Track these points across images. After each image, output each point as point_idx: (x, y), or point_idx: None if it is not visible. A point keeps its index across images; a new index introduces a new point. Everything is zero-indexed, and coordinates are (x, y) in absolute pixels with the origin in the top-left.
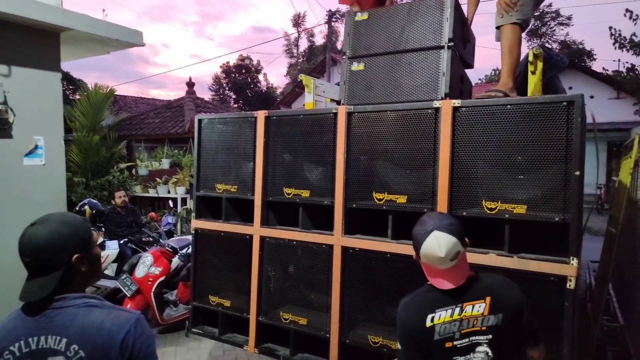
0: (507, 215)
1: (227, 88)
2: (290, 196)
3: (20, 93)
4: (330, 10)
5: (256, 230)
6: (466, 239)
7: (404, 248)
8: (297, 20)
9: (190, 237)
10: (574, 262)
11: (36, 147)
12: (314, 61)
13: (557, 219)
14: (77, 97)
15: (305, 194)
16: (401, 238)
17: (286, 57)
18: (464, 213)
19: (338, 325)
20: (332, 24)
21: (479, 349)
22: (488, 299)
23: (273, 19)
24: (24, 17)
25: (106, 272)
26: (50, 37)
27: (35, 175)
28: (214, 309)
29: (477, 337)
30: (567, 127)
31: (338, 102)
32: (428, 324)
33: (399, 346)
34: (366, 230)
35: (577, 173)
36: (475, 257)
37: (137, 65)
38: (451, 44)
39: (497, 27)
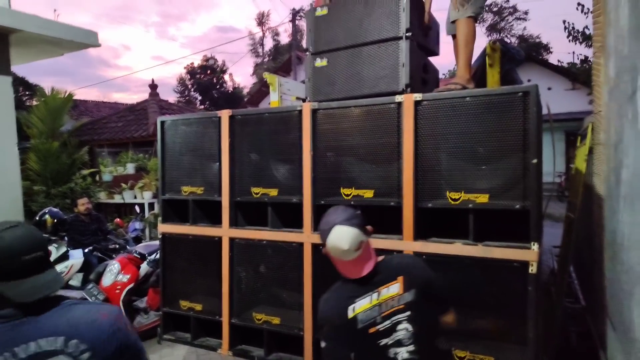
0: (470, 205)
1: (192, 89)
2: (258, 195)
3: None
4: (294, 9)
5: (225, 231)
6: (368, 227)
7: (373, 242)
8: (261, 19)
9: (158, 243)
10: (535, 247)
11: None
12: (280, 60)
13: (517, 206)
14: (35, 102)
15: (273, 192)
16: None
17: (252, 56)
18: (430, 204)
19: (311, 322)
20: (297, 22)
21: (400, 326)
22: (400, 278)
23: (236, 18)
24: None
25: (71, 282)
26: None
27: None
28: (185, 313)
29: (397, 316)
30: (524, 116)
31: (304, 100)
32: (350, 315)
33: (323, 343)
34: None
35: (535, 161)
36: (442, 247)
37: (98, 68)
38: (409, 34)
39: (452, 22)
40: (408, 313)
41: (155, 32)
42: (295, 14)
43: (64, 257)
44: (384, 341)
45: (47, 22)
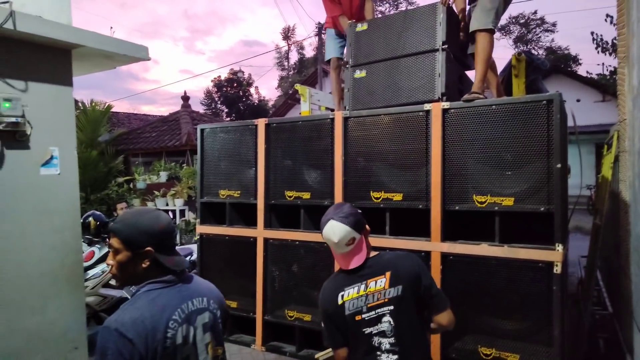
0: (496, 208)
1: (219, 102)
2: (291, 199)
3: (36, 107)
4: (319, 23)
5: (260, 232)
6: (367, 227)
7: (402, 243)
8: (287, 33)
9: (190, 247)
10: (560, 248)
11: (52, 157)
12: (305, 73)
13: (542, 209)
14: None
15: (306, 196)
16: (399, 234)
17: (277, 69)
18: (457, 207)
19: None
20: (322, 36)
21: (384, 319)
22: (388, 273)
23: (262, 32)
24: (40, 36)
25: (111, 282)
26: (63, 54)
27: (50, 184)
28: None
29: (382, 309)
30: (548, 123)
31: (332, 110)
32: (339, 301)
33: (322, 324)
34: None
35: (559, 166)
36: (468, 248)
37: (127, 82)
38: (445, 46)
39: (471, 32)
40: (391, 307)
41: (183, 46)
42: (320, 27)
43: (106, 258)
44: (368, 330)
45: (105, 37)
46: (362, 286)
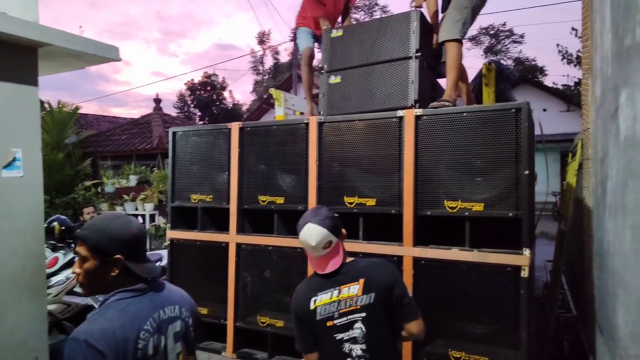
0: (466, 213)
1: (192, 105)
2: (265, 203)
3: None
4: (295, 28)
5: (232, 237)
6: (343, 231)
7: (374, 248)
8: (262, 38)
9: (160, 252)
10: (527, 252)
11: (14, 159)
12: (280, 78)
13: (510, 214)
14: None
15: (280, 200)
16: (372, 239)
17: (252, 74)
18: (429, 212)
19: None
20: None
21: (356, 325)
22: (361, 280)
23: (236, 36)
24: (4, 33)
25: (76, 289)
26: (29, 52)
27: (13, 186)
28: None
29: (353, 316)
30: (517, 131)
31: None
32: (312, 306)
33: (294, 329)
34: None
35: (527, 172)
36: (440, 253)
37: (97, 83)
38: (418, 54)
39: (440, 43)
40: (363, 314)
41: (156, 48)
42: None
43: (71, 264)
44: (339, 335)
45: (73, 36)
46: (335, 292)
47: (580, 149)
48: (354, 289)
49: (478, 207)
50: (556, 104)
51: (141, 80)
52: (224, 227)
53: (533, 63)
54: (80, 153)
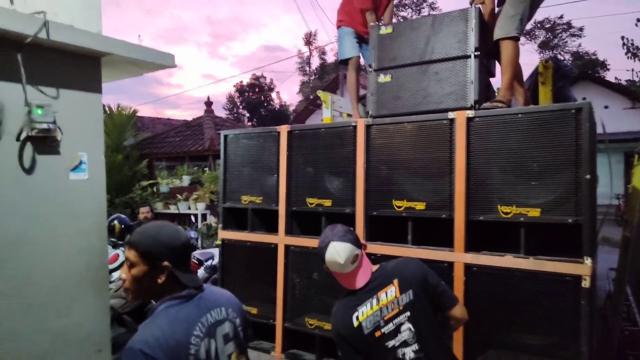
0: (522, 219)
1: (241, 107)
2: (313, 206)
3: (67, 113)
4: None
5: (281, 239)
6: (363, 242)
7: (424, 253)
8: (309, 39)
9: (212, 250)
10: (588, 261)
11: (80, 162)
12: (326, 79)
13: (570, 220)
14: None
15: (327, 203)
16: (421, 244)
17: (299, 74)
18: (481, 217)
19: None
20: None
21: (403, 327)
22: (395, 281)
23: (283, 37)
24: (70, 44)
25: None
26: (93, 62)
27: (79, 188)
28: None
29: (398, 319)
30: (577, 133)
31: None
32: (355, 323)
33: (339, 352)
34: (387, 237)
35: (588, 176)
36: (493, 260)
37: (152, 86)
38: (478, 52)
39: (495, 41)
40: (408, 313)
41: (206, 51)
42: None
43: None
44: (391, 343)
45: (133, 46)
46: (374, 301)
47: None
48: (391, 292)
49: (534, 212)
50: (619, 100)
51: (192, 83)
52: (273, 228)
53: (593, 57)
54: (137, 155)
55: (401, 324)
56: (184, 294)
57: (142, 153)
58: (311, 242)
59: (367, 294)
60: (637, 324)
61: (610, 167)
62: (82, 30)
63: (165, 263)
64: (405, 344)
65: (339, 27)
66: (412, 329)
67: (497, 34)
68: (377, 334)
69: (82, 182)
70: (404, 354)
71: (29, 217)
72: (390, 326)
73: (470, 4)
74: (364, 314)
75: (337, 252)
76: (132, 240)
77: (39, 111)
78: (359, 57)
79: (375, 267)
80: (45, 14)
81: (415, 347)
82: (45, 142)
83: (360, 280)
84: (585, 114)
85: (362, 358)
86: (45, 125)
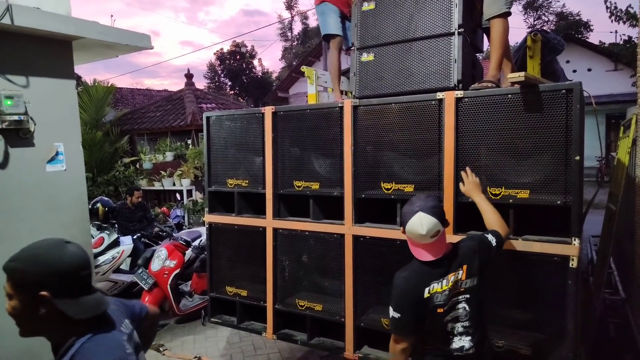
0: (511, 200)
1: (222, 75)
2: (300, 188)
3: (39, 102)
4: None
5: (269, 222)
6: (447, 220)
7: None
8: (290, 3)
9: (200, 229)
10: (576, 242)
11: (57, 153)
12: (309, 44)
13: (559, 202)
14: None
15: (315, 186)
16: None
17: (280, 40)
18: (470, 199)
19: (352, 309)
20: None
21: (459, 306)
22: (465, 266)
23: (263, 1)
24: (38, 29)
25: (122, 266)
26: (63, 46)
27: (57, 180)
28: (232, 299)
29: (458, 298)
30: (567, 114)
31: (345, 93)
32: (426, 294)
33: (395, 314)
34: (375, 219)
35: (577, 158)
36: None
37: (128, 54)
38: (461, 30)
39: (487, 19)
40: (467, 296)
41: (185, 17)
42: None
43: (115, 244)
44: (446, 318)
45: (106, 28)
46: (444, 281)
47: (634, 125)
48: (459, 276)
49: (523, 194)
50: (603, 63)
51: (171, 49)
52: (260, 211)
53: (577, 18)
54: (118, 131)
55: (458, 302)
56: (95, 326)
57: (122, 129)
58: (300, 225)
59: (439, 271)
60: (618, 292)
61: (599, 132)
62: (49, 12)
63: (43, 293)
64: (456, 319)
65: (321, 1)
66: (467, 308)
67: (487, 12)
68: (439, 310)
69: (60, 174)
70: (453, 328)
71: (7, 213)
72: (451, 304)
73: None
74: (434, 289)
75: (422, 223)
76: (6, 268)
77: (9, 102)
78: (342, 36)
79: (449, 246)
80: None
81: (466, 323)
82: (17, 134)
83: (432, 255)
84: (576, 94)
85: (417, 321)
86: (16, 117)
